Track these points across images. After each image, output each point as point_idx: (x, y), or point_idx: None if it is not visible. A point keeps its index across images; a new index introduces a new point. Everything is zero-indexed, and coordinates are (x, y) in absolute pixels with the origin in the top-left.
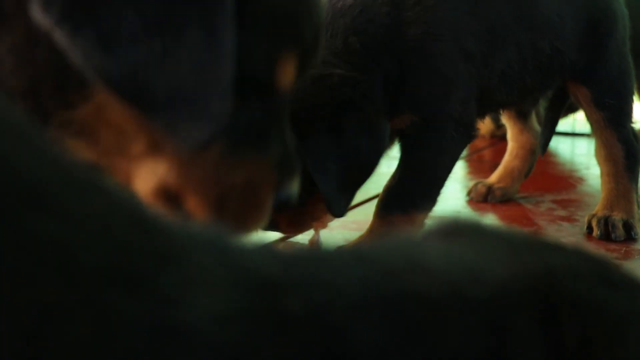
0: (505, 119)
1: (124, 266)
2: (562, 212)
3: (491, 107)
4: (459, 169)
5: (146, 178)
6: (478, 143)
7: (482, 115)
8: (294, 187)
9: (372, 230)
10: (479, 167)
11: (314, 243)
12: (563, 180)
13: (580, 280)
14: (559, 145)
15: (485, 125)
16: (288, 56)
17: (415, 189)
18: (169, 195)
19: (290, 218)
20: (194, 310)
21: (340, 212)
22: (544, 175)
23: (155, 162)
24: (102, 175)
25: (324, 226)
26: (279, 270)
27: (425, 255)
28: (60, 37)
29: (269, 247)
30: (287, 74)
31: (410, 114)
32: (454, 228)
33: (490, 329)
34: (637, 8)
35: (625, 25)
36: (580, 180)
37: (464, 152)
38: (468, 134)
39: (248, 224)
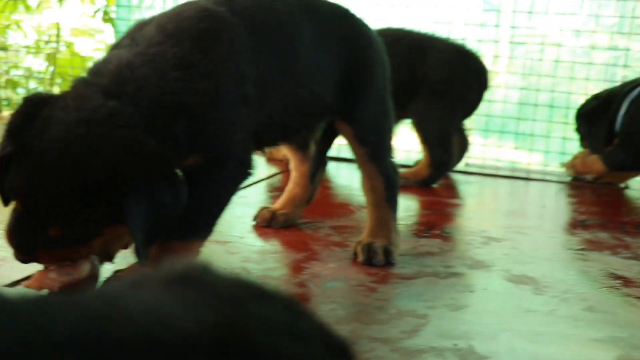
0: (287, 150)
1: None
2: (336, 238)
3: (263, 145)
4: (253, 194)
5: None
6: (278, 168)
7: (256, 151)
8: None
9: (152, 256)
10: (275, 192)
11: (92, 276)
12: (343, 207)
13: (264, 332)
14: (341, 173)
15: (280, 151)
16: None
17: (195, 219)
18: None
19: (53, 256)
20: None
21: (143, 261)
22: (326, 201)
23: None
24: None
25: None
26: None
27: (129, 304)
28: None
29: None
30: None
31: (198, 155)
32: (183, 273)
33: None
34: (396, 57)
35: (384, 72)
36: (359, 207)
37: (262, 177)
38: (247, 170)
39: None
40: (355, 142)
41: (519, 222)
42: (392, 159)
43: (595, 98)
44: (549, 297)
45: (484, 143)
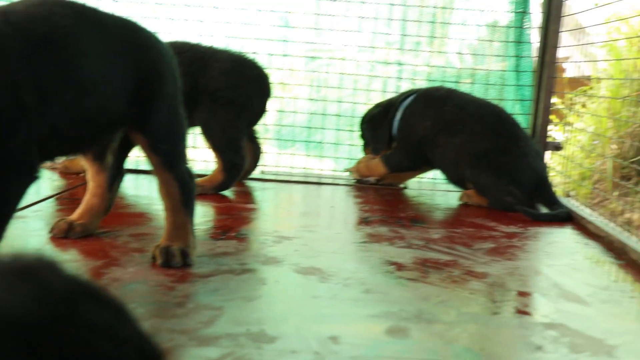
0: (83, 161)
1: None
2: (135, 245)
3: (52, 155)
4: (48, 207)
5: None
6: (73, 181)
7: (47, 159)
8: None
9: None
10: (70, 205)
11: None
12: (142, 216)
13: (84, 331)
14: (141, 184)
15: (77, 164)
16: None
17: None
18: None
19: None
20: None
21: None
22: (125, 211)
23: None
24: None
25: None
26: None
27: None
28: None
29: None
30: None
31: None
32: (24, 265)
33: None
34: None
35: (175, 82)
36: (158, 215)
37: (56, 190)
38: (31, 175)
39: None
40: (150, 150)
41: (311, 221)
42: (187, 165)
43: (378, 106)
44: (332, 284)
45: (278, 152)
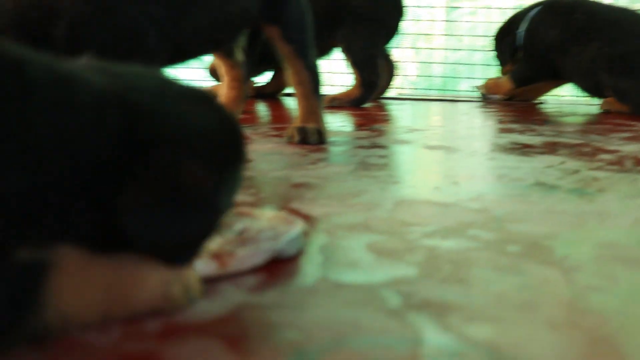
0: (216, 59)
1: None
2: (273, 132)
3: (186, 57)
4: None
5: None
6: None
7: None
8: None
9: None
10: None
11: None
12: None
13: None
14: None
15: None
16: None
17: None
18: None
19: None
20: None
21: None
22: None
23: None
24: None
25: None
26: None
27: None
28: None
29: None
30: None
31: None
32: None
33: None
34: None
35: None
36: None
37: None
38: None
39: None
40: (283, 41)
41: (443, 122)
42: (315, 56)
43: (504, 22)
44: (459, 155)
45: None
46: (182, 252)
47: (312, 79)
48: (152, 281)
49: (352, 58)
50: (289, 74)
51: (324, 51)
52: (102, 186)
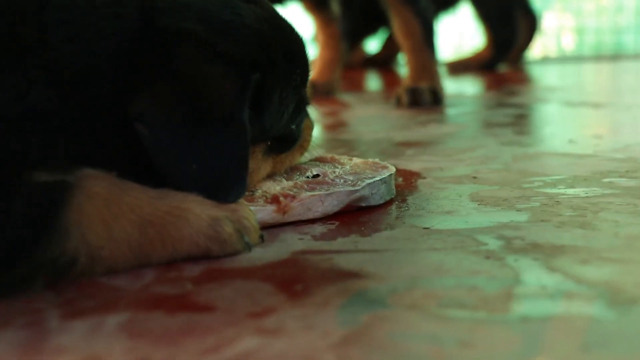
0: (308, 13)
1: None
2: (380, 98)
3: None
4: None
5: None
6: None
7: None
8: None
9: None
10: None
11: None
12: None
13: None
14: None
15: None
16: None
17: None
18: None
19: None
20: None
21: None
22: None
23: None
24: None
25: None
26: None
27: None
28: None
29: None
30: None
31: None
32: None
33: None
34: None
35: None
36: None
37: None
38: None
39: None
40: None
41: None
42: (427, 1)
43: None
44: (605, 110)
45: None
46: (212, 179)
47: (423, 29)
48: (196, 217)
49: (480, 12)
50: (395, 25)
51: (448, 4)
52: (122, 94)
